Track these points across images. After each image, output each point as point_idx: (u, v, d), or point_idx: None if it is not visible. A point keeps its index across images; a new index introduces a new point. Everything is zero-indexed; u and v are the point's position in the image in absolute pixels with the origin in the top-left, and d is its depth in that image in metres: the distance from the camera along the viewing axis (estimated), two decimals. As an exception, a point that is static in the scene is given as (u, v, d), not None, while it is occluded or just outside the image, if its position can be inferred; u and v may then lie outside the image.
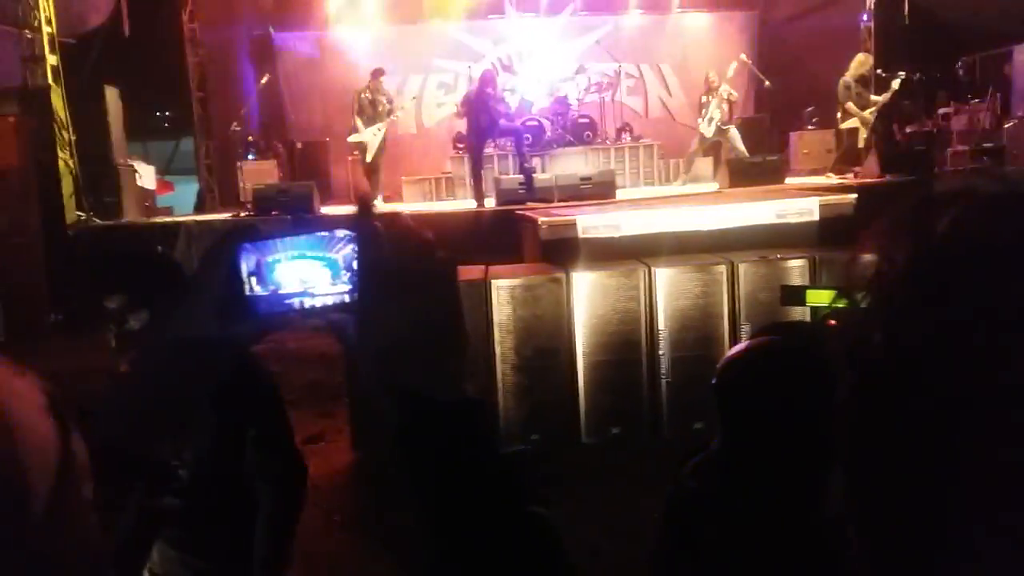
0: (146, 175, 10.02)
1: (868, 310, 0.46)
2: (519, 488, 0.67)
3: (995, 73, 10.13)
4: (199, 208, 11.20)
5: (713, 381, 1.66)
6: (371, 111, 9.77)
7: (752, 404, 1.57)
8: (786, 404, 1.58)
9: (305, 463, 2.24)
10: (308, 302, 0.69)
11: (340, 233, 0.68)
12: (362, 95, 9.86)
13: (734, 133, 9.99)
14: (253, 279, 0.70)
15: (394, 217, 0.67)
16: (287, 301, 0.70)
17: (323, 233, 0.68)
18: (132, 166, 9.53)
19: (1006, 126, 9.37)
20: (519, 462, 0.69)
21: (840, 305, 0.47)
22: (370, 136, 9.70)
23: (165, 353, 0.72)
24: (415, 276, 0.66)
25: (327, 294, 0.68)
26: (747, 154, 9.70)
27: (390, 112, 9.91)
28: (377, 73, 10.03)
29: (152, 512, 0.50)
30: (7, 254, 6.79)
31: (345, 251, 0.68)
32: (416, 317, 0.64)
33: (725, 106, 10.03)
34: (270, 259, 0.70)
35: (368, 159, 9.81)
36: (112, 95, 9.04)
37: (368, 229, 0.66)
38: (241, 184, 10.30)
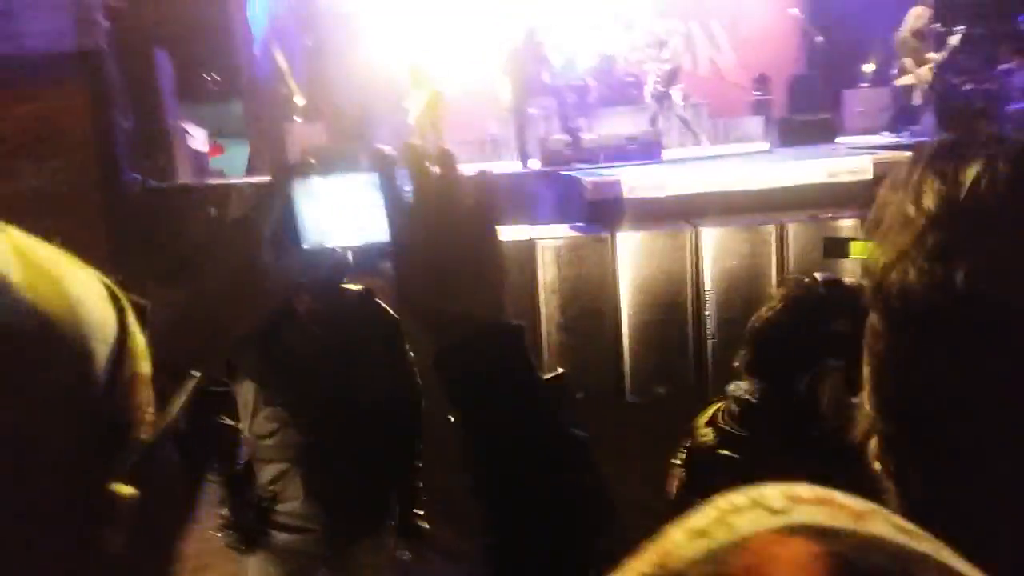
0: (198, 138, 10.18)
1: (899, 253, 0.47)
2: (558, 411, 0.68)
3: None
4: (250, 171, 11.36)
5: (750, 324, 1.67)
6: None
7: (789, 355, 1.57)
8: (811, 360, 1.59)
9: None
10: (356, 242, 0.72)
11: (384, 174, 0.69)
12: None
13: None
14: (305, 219, 0.73)
15: (425, 153, 0.69)
16: (337, 242, 0.73)
17: (372, 174, 0.70)
18: (184, 128, 9.68)
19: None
20: (559, 387, 0.71)
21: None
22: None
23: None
24: (452, 209, 0.67)
25: (374, 236, 0.71)
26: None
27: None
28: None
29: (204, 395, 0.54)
30: (67, 216, 7.01)
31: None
32: (453, 247, 0.67)
33: None
34: (321, 200, 0.73)
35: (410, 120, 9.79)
36: (163, 58, 9.17)
37: (409, 166, 0.68)
38: (289, 146, 10.40)
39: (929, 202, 0.47)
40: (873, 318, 0.49)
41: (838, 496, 0.33)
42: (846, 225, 5.07)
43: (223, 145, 11.63)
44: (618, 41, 11.30)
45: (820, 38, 10.87)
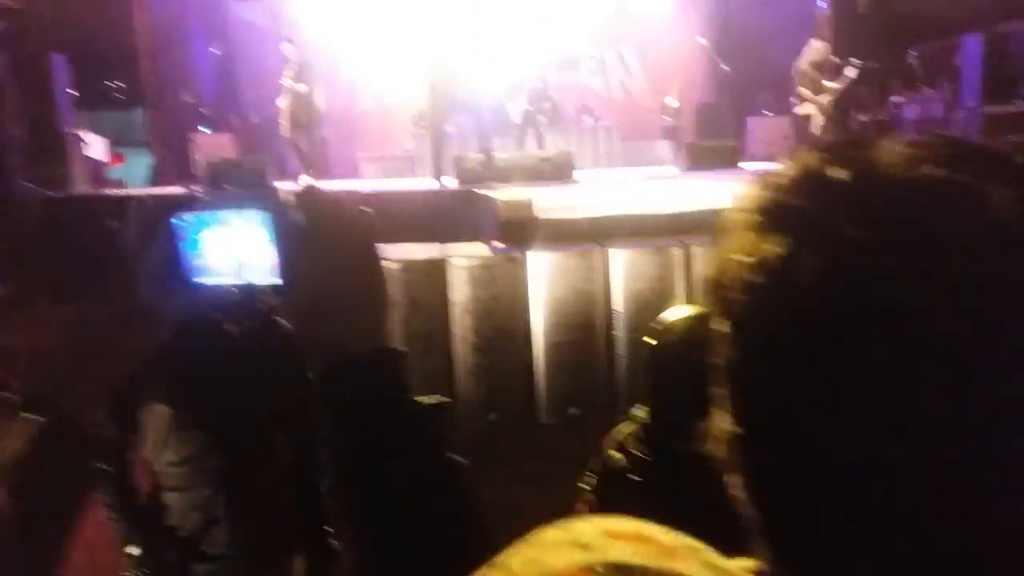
0: (96, 146, 9.76)
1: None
2: (436, 436, 0.70)
3: (946, 63, 10.36)
4: (152, 181, 10.95)
5: (648, 340, 1.69)
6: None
7: (690, 374, 1.60)
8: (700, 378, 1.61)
9: None
10: (243, 276, 0.74)
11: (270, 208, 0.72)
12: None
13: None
14: (192, 252, 0.74)
15: (313, 192, 0.73)
16: (223, 276, 0.74)
17: (258, 209, 0.72)
18: (79, 136, 9.27)
19: (958, 115, 9.61)
20: (439, 412, 0.72)
21: None
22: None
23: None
24: (335, 243, 0.70)
25: (260, 269, 0.73)
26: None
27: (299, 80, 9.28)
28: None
29: None
30: (-51, 225, 6.59)
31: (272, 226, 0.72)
32: (336, 278, 0.69)
33: None
34: (207, 234, 0.74)
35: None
36: (59, 62, 8.77)
37: (304, 205, 0.70)
38: (194, 157, 10.09)
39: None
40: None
41: (657, 532, 0.34)
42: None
43: (123, 154, 11.18)
44: (532, 63, 11.46)
45: (725, 67, 11.29)
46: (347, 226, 0.71)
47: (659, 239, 5.51)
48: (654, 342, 1.68)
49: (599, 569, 0.31)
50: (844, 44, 10.29)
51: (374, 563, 0.67)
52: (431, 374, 4.74)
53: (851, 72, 9.66)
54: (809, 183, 0.42)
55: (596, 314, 5.12)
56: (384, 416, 0.69)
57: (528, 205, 6.06)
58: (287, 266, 0.71)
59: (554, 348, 5.04)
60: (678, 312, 1.72)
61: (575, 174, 8.96)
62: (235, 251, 0.75)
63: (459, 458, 0.71)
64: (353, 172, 11.04)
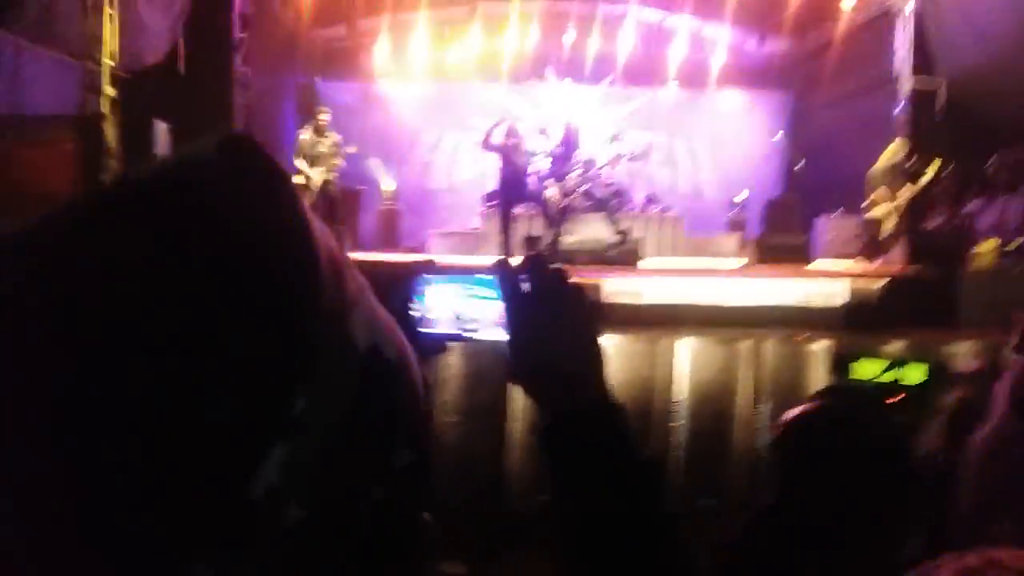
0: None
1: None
2: (655, 494, 0.73)
3: (1022, 173, 10.18)
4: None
5: (773, 438, 1.70)
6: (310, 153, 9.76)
7: (813, 465, 1.60)
8: (847, 467, 1.61)
9: None
10: (471, 335, 0.83)
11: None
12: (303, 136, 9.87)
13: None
14: (428, 310, 0.84)
15: (545, 265, 0.79)
16: (453, 332, 0.84)
17: (490, 275, 0.80)
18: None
19: (1035, 225, 9.38)
20: (657, 470, 0.76)
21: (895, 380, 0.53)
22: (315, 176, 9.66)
23: None
24: (564, 307, 0.77)
25: (487, 328, 0.82)
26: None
27: (335, 155, 9.78)
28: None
29: None
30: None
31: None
32: (567, 336, 0.76)
33: None
34: (442, 294, 0.84)
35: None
36: (161, 130, 9.31)
37: (536, 274, 0.78)
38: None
39: None
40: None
41: None
42: (821, 347, 5.18)
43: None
44: (603, 151, 11.68)
45: (801, 164, 11.32)
46: (569, 294, 0.77)
47: (725, 331, 5.48)
48: (778, 437, 1.69)
49: None
50: (922, 149, 10.24)
51: None
52: (487, 452, 4.74)
53: (927, 176, 9.59)
54: None
55: (657, 403, 5.08)
56: (610, 471, 0.72)
57: (596, 289, 6.12)
58: (514, 325, 0.78)
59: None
60: (805, 408, 1.73)
61: (640, 263, 9.01)
62: (458, 306, 0.85)
63: (676, 518, 0.74)
64: (421, 247, 11.31)
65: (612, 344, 5.16)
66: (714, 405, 5.06)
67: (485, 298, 0.83)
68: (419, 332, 0.85)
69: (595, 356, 0.77)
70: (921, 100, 11.13)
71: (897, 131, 11.19)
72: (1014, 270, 8.18)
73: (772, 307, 6.11)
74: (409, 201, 12.75)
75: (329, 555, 0.38)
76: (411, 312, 0.85)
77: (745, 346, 5.25)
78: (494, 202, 10.47)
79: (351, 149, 10.05)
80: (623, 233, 9.47)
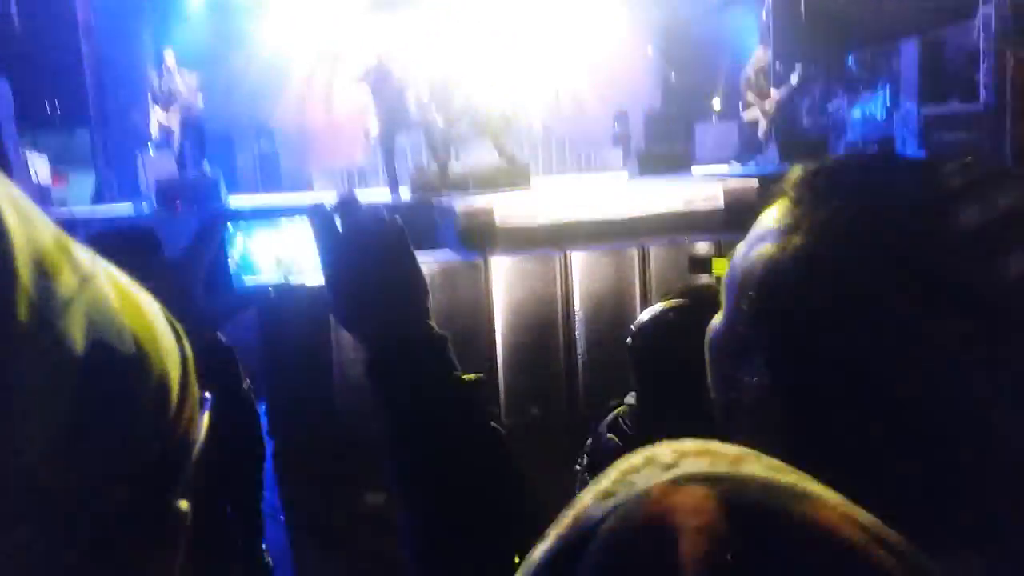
0: (40, 167, 9.53)
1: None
2: (480, 407, 0.78)
3: (885, 68, 10.71)
4: (96, 200, 10.74)
5: (628, 341, 1.76)
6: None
7: (666, 361, 1.67)
8: (698, 360, 1.68)
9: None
10: (293, 280, 0.80)
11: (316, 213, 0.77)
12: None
13: None
14: (239, 258, 0.80)
15: (351, 201, 0.80)
16: (268, 279, 0.80)
17: (301, 216, 0.78)
18: (26, 159, 9.05)
19: (895, 116, 9.94)
20: (479, 386, 0.78)
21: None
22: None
23: None
24: (379, 245, 0.78)
25: (308, 270, 0.79)
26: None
27: (191, 95, 9.40)
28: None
29: None
30: None
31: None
32: (379, 277, 0.77)
33: None
34: (259, 240, 0.80)
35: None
36: (3, 85, 8.59)
37: (346, 214, 0.78)
38: (143, 175, 9.93)
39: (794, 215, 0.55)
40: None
41: (716, 446, 0.39)
42: (703, 248, 5.37)
43: (67, 175, 10.93)
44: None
45: (673, 76, 11.52)
46: (383, 231, 0.78)
47: (615, 242, 5.60)
48: (631, 340, 1.75)
49: (683, 481, 0.35)
50: (787, 51, 10.59)
51: (430, 530, 0.74)
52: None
53: (793, 78, 9.95)
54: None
55: (556, 315, 5.18)
56: (435, 392, 0.74)
57: (489, 212, 6.11)
58: (330, 267, 0.76)
59: (516, 350, 5.08)
60: (654, 310, 1.78)
61: (531, 184, 9.03)
62: (282, 253, 0.83)
63: (500, 427, 0.77)
64: (305, 185, 10.98)
65: (510, 265, 5.20)
66: (610, 312, 5.20)
67: (304, 240, 0.82)
68: (231, 283, 0.85)
69: (413, 290, 0.79)
70: (781, 7, 11.48)
71: (761, 38, 11.53)
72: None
73: (657, 215, 6.27)
74: (287, 141, 12.28)
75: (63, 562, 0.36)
76: (221, 263, 0.84)
77: (634, 254, 5.39)
78: (376, 135, 10.22)
79: (198, 98, 9.49)
80: (511, 157, 9.44)
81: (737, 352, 0.57)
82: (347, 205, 0.79)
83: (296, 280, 0.84)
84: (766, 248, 0.55)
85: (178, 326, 0.45)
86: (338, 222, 0.78)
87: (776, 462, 0.38)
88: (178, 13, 12.33)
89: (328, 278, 0.78)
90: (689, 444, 0.39)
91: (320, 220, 0.77)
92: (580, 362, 5.13)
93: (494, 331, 5.08)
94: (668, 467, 0.37)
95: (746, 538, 0.32)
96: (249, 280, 0.84)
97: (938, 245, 0.48)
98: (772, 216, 0.57)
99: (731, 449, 0.38)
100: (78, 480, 0.35)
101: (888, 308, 0.48)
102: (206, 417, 0.47)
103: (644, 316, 1.79)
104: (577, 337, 5.15)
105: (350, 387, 4.59)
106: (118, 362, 0.38)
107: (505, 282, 5.15)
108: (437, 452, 0.73)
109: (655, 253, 5.39)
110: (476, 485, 0.73)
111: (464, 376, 0.77)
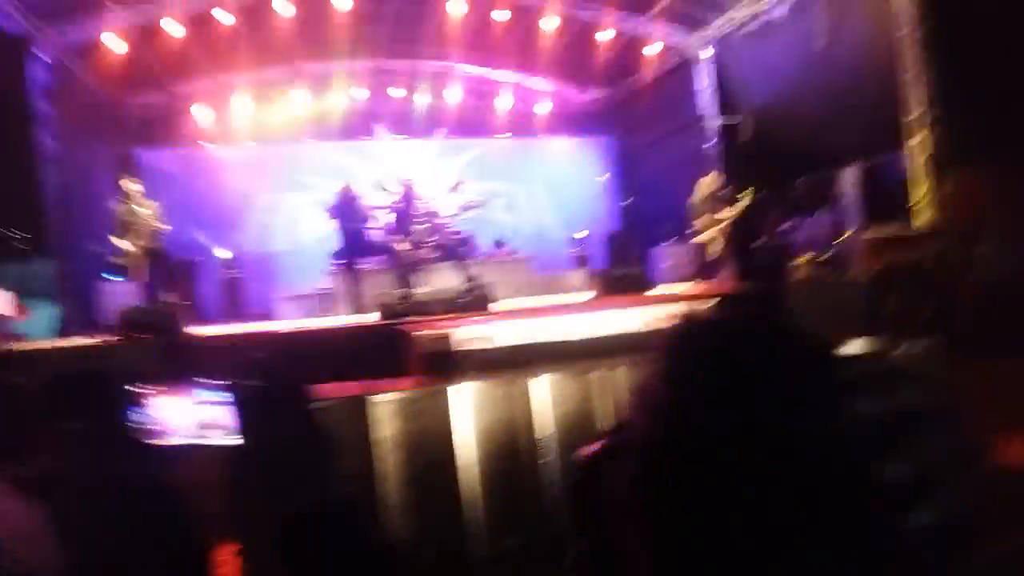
0: (2, 300, 9.41)
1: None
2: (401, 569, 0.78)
3: (826, 193, 11.26)
4: (60, 333, 10.57)
5: (571, 478, 1.76)
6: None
7: (599, 513, 1.68)
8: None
9: None
10: (206, 442, 0.84)
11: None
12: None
13: None
14: (147, 417, 0.83)
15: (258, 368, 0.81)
16: (186, 441, 0.83)
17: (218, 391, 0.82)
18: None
19: (840, 239, 10.38)
20: (399, 547, 0.81)
21: None
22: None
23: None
24: (279, 414, 0.79)
25: (221, 435, 0.83)
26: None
27: (155, 224, 9.47)
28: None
29: None
30: None
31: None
32: (289, 443, 0.78)
33: None
34: (172, 404, 0.83)
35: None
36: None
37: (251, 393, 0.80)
38: (102, 306, 9.86)
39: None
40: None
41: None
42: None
43: (26, 307, 10.79)
44: (445, 202, 11.84)
45: (630, 200, 11.96)
46: (295, 401, 0.83)
47: (578, 364, 5.65)
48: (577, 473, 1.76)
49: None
50: (734, 177, 11.10)
51: None
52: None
53: (745, 200, 10.40)
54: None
55: (522, 441, 5.15)
56: (355, 556, 0.78)
57: (446, 338, 6.15)
58: (244, 428, 0.80)
59: (486, 478, 5.01)
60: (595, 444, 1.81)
61: (492, 305, 9.15)
62: (195, 415, 0.87)
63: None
64: (268, 313, 10.96)
65: (468, 391, 5.20)
66: (576, 436, 5.19)
67: (221, 404, 0.87)
68: (145, 445, 0.89)
69: (324, 460, 0.83)
70: (728, 135, 12.15)
71: (709, 164, 12.11)
72: (828, 278, 9.01)
73: (619, 335, 6.38)
74: (251, 267, 12.35)
75: None
76: (133, 426, 0.89)
77: (597, 376, 5.44)
78: (341, 261, 10.34)
79: (161, 226, 9.57)
80: (472, 279, 9.60)
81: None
82: (269, 381, 0.82)
83: (214, 440, 0.88)
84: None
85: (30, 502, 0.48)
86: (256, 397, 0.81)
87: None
88: (139, 142, 12.58)
89: (244, 443, 0.80)
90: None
91: (241, 394, 0.81)
92: (554, 488, 5.07)
93: (454, 460, 5.02)
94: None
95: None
96: (162, 443, 0.87)
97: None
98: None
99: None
100: None
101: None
102: None
103: (586, 450, 1.80)
104: (544, 463, 5.11)
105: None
106: None
107: (472, 408, 5.13)
108: None
109: (620, 374, 5.44)
110: None
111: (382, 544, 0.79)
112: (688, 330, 0.65)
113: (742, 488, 0.52)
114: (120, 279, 10.04)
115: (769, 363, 0.56)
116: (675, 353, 0.63)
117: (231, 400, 0.63)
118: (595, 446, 1.78)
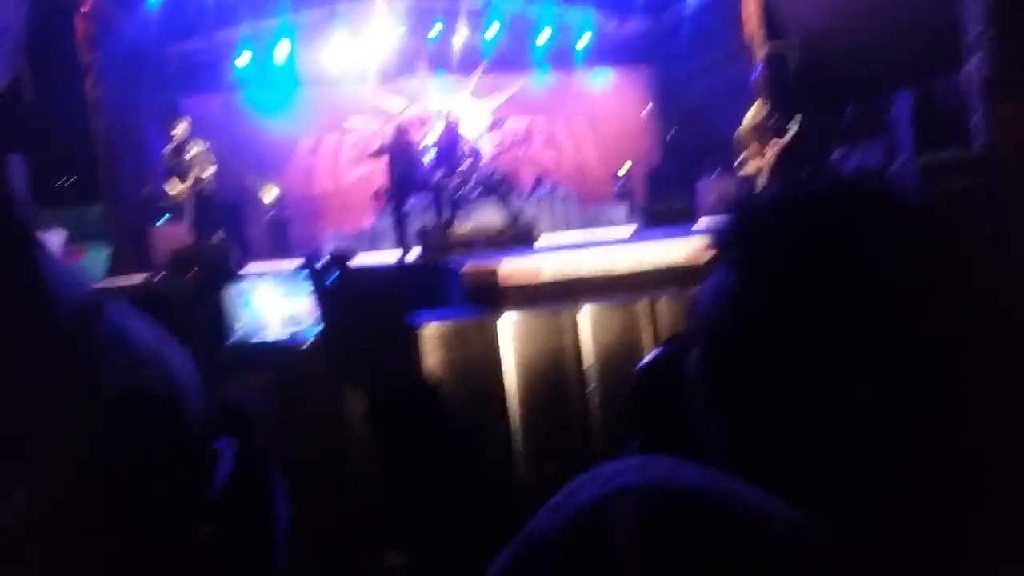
0: (56, 243, 9.70)
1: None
2: (473, 451, 0.85)
3: (880, 118, 10.91)
4: (112, 273, 10.88)
5: (622, 398, 1.80)
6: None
7: (660, 404, 1.70)
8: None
9: None
10: (301, 336, 0.86)
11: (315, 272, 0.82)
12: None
13: None
14: (255, 316, 0.86)
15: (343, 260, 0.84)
16: (273, 339, 0.86)
17: (303, 277, 0.82)
18: (45, 238, 9.21)
19: (892, 167, 10.08)
20: (470, 430, 0.84)
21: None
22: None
23: None
24: (366, 299, 0.83)
25: (310, 329, 0.85)
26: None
27: (203, 164, 9.55)
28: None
29: None
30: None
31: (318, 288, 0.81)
32: (373, 331, 0.81)
33: None
34: (268, 297, 0.85)
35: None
36: (16, 163, 8.80)
37: (342, 276, 0.83)
38: (154, 247, 10.09)
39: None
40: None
41: (656, 459, 0.43)
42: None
43: (81, 249, 11.11)
44: (486, 139, 11.78)
45: (673, 132, 11.73)
46: (371, 286, 0.83)
47: (621, 296, 5.65)
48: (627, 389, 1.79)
49: (616, 495, 0.41)
50: (781, 106, 10.81)
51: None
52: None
53: (791, 131, 10.14)
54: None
55: (567, 371, 5.20)
56: (434, 436, 0.80)
57: (494, 271, 6.18)
58: (324, 320, 0.81)
59: (529, 406, 5.10)
60: (647, 358, 1.82)
61: (536, 242, 9.15)
62: (286, 307, 0.88)
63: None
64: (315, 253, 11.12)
65: (517, 323, 5.25)
66: (620, 367, 5.22)
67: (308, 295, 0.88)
68: (247, 342, 0.90)
69: (403, 346, 0.84)
70: (775, 63, 11.77)
71: (756, 93, 11.77)
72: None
73: (663, 268, 6.33)
74: (296, 208, 12.49)
75: None
76: (235, 324, 0.90)
77: (642, 308, 5.44)
78: (389, 201, 10.39)
79: (209, 167, 9.67)
80: (515, 216, 9.59)
81: (700, 386, 0.58)
82: (339, 262, 0.84)
83: (303, 335, 0.90)
84: (705, 287, 0.59)
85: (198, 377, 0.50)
86: (327, 278, 0.83)
87: (712, 471, 0.40)
88: (188, 85, 12.69)
89: (325, 331, 0.83)
90: (631, 460, 0.43)
91: (314, 276, 0.83)
92: (595, 417, 5.14)
93: (504, 389, 5.10)
94: (608, 480, 0.40)
95: (669, 539, 0.35)
96: (258, 338, 0.89)
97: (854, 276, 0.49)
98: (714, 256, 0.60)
99: (668, 462, 0.42)
100: (111, 500, 0.39)
101: (812, 336, 0.48)
102: (228, 456, 0.52)
103: (643, 362, 1.83)
104: (589, 391, 5.17)
105: (367, 447, 4.59)
106: (153, 399, 0.43)
107: (516, 339, 5.19)
108: (439, 507, 0.79)
109: (661, 306, 5.43)
110: (469, 491, 0.80)
111: (464, 432, 0.83)
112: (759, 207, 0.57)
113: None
114: (169, 221, 10.25)
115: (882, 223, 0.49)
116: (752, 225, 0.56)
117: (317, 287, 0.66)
118: (652, 354, 1.81)
